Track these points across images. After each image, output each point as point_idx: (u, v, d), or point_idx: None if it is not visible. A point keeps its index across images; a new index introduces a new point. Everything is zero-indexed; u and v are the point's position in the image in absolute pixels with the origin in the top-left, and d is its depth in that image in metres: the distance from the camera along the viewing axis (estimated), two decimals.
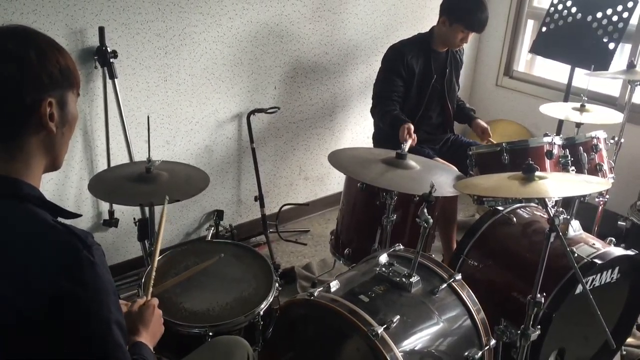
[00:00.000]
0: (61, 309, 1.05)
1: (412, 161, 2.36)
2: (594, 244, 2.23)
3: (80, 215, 1.30)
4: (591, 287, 2.14)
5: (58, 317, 1.05)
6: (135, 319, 1.47)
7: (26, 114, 1.11)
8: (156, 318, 1.50)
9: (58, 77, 1.13)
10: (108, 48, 2.58)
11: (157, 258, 1.77)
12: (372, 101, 3.16)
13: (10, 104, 1.09)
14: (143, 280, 2.01)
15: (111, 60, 2.59)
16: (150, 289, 1.67)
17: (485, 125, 3.16)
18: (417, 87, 3.09)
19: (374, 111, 3.15)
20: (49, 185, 2.65)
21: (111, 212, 2.90)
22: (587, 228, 2.45)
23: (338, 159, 2.41)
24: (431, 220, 1.83)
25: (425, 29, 3.18)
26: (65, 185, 2.72)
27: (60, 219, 1.17)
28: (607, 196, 2.90)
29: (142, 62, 2.77)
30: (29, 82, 1.09)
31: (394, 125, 2.84)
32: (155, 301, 1.53)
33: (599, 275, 2.16)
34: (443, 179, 2.32)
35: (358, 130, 3.86)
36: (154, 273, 1.71)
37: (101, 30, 2.56)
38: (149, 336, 1.45)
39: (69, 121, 1.19)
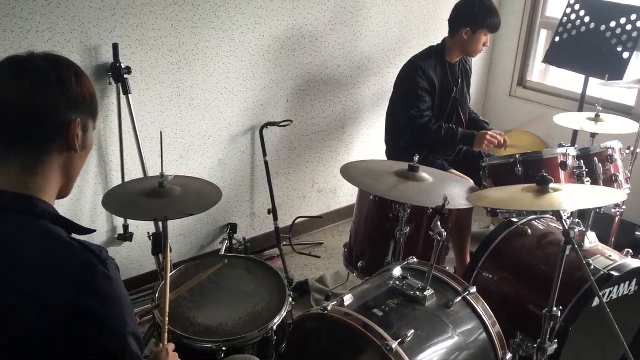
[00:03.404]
0: (78, 323, 1.07)
1: (425, 173, 2.35)
2: (610, 256, 2.20)
3: (94, 231, 1.31)
4: (608, 299, 2.11)
5: (75, 332, 1.07)
6: None
7: (58, 131, 1.16)
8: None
9: (88, 101, 1.21)
10: (122, 64, 2.61)
11: (168, 301, 1.72)
12: (410, 122, 3.02)
13: (47, 121, 1.15)
14: (156, 302, 2.01)
15: (125, 76, 2.62)
16: (166, 335, 1.65)
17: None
18: (439, 100, 3.09)
19: (417, 133, 3.03)
20: (64, 201, 2.66)
21: (126, 227, 2.92)
22: (603, 239, 2.42)
23: (350, 172, 2.40)
24: (445, 233, 1.82)
25: (437, 39, 3.18)
26: (80, 201, 2.74)
27: (75, 235, 1.19)
28: (624, 207, 2.86)
29: (156, 78, 2.80)
30: (66, 101, 1.16)
31: (467, 139, 3.04)
32: (172, 346, 1.52)
33: (616, 287, 2.13)
34: (456, 191, 2.31)
35: (370, 141, 3.86)
36: (167, 319, 1.68)
37: (115, 46, 2.59)
38: None
39: (87, 147, 1.24)
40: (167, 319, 1.67)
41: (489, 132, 3.03)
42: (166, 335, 1.64)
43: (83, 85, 1.20)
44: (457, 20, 3.06)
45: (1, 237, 1.12)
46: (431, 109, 3.05)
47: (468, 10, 3.02)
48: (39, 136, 1.15)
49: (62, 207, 2.66)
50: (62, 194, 1.25)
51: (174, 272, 2.23)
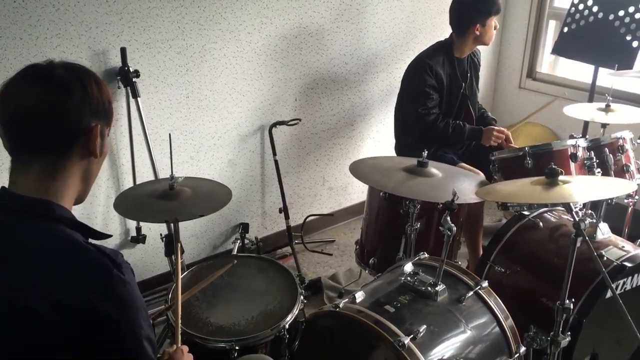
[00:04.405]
0: (94, 326, 1.09)
1: (434, 168, 2.35)
2: (623, 247, 2.19)
3: (110, 236, 1.34)
4: (622, 290, 2.10)
5: (91, 335, 1.09)
6: None
7: (79, 137, 1.19)
8: None
9: (107, 109, 1.23)
10: (130, 68, 2.63)
11: (180, 302, 1.74)
12: (417, 119, 3.01)
13: (70, 127, 1.17)
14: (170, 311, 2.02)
15: (134, 79, 2.64)
16: (179, 337, 1.66)
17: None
18: (447, 97, 3.08)
19: (424, 131, 3.03)
20: (77, 205, 2.69)
21: (138, 229, 2.94)
22: (616, 230, 2.41)
23: (359, 169, 2.41)
24: (454, 228, 1.82)
25: (445, 34, 3.17)
26: (93, 204, 2.77)
27: (91, 240, 1.21)
28: (637, 197, 2.83)
29: (164, 80, 2.82)
30: (89, 107, 1.19)
31: (474, 135, 3.03)
32: (185, 348, 1.54)
33: (629, 278, 2.12)
34: (466, 185, 2.30)
35: (380, 138, 3.85)
36: (179, 320, 1.69)
37: (123, 50, 2.61)
38: None
39: (104, 152, 1.26)
40: (179, 320, 1.68)
41: (495, 128, 3.01)
42: (179, 335, 1.65)
43: (103, 93, 1.22)
44: (463, 20, 3.02)
45: (20, 241, 1.14)
46: (439, 106, 3.04)
47: (472, 8, 3.00)
48: (62, 142, 1.18)
49: (76, 210, 2.63)
50: (80, 198, 1.28)
51: (186, 273, 2.25)
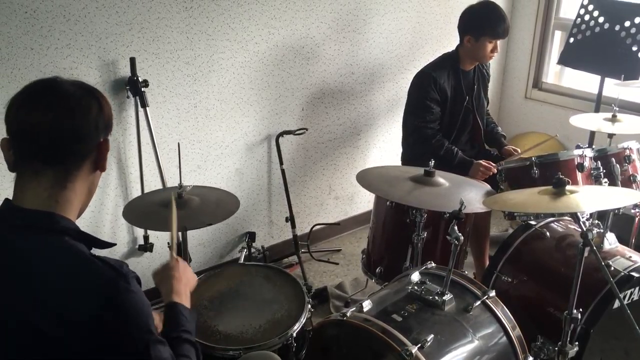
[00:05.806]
0: (106, 338, 1.10)
1: (441, 178, 2.35)
2: (630, 257, 2.19)
3: (114, 245, 1.35)
4: (629, 300, 2.09)
5: (100, 347, 1.10)
6: (161, 282, 1.51)
7: (92, 151, 1.22)
8: (182, 271, 1.53)
9: (112, 123, 1.28)
10: (139, 78, 2.65)
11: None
12: (413, 131, 3.08)
13: (87, 142, 1.21)
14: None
15: (142, 89, 2.66)
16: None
17: (514, 152, 3.13)
18: (451, 109, 3.08)
19: (419, 143, 3.07)
20: (86, 213, 2.67)
21: (146, 237, 2.96)
22: (623, 240, 2.40)
23: (366, 178, 2.42)
24: (462, 238, 1.82)
25: (451, 45, 3.18)
26: (101, 213, 2.79)
27: (95, 250, 1.22)
28: None
29: (173, 90, 2.84)
30: (102, 123, 1.23)
31: (463, 166, 2.97)
32: (183, 267, 1.56)
33: (637, 288, 2.11)
34: (473, 195, 2.30)
35: (386, 147, 3.87)
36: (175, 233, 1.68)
37: (132, 60, 2.63)
38: (181, 288, 1.49)
39: (106, 165, 1.29)
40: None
41: (483, 164, 2.94)
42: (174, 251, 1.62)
43: (109, 108, 1.27)
44: (460, 28, 3.06)
45: (24, 256, 1.15)
46: (440, 120, 3.05)
47: (468, 17, 3.02)
48: (77, 156, 1.21)
49: (85, 219, 2.70)
50: (80, 212, 1.28)
51: None
